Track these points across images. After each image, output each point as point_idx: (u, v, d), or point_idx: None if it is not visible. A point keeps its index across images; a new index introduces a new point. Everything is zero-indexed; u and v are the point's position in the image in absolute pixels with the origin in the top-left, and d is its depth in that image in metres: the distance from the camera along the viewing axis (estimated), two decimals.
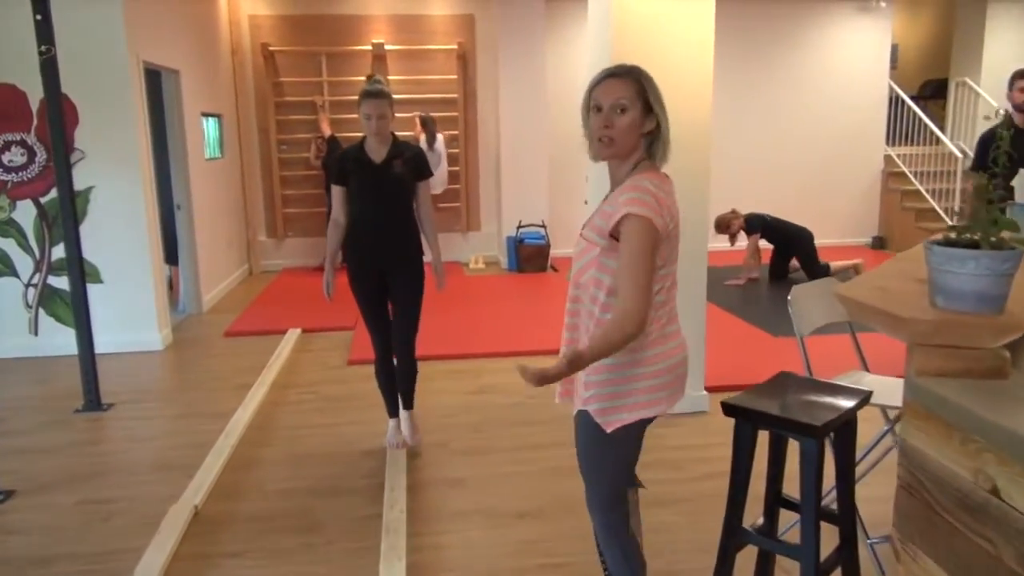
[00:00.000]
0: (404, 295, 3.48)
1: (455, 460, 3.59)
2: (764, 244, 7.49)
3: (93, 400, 4.33)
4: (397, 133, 3.50)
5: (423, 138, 8.07)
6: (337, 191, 3.44)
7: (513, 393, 4.47)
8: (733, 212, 7.48)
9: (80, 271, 4.28)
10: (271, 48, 8.30)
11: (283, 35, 8.37)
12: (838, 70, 9.28)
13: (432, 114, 8.25)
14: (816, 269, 7.24)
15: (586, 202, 4.63)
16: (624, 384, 1.86)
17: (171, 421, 4.18)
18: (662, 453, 3.61)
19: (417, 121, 8.33)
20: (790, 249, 7.40)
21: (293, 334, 5.77)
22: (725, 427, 4.00)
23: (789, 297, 2.69)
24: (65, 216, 4.22)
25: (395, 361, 3.60)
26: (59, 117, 4.08)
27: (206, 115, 7.16)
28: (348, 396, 4.48)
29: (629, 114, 1.81)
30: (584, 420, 1.91)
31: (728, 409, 2.09)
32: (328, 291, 3.50)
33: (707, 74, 3.86)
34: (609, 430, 1.86)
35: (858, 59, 9.28)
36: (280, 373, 4.90)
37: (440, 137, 8.14)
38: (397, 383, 3.64)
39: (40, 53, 4.00)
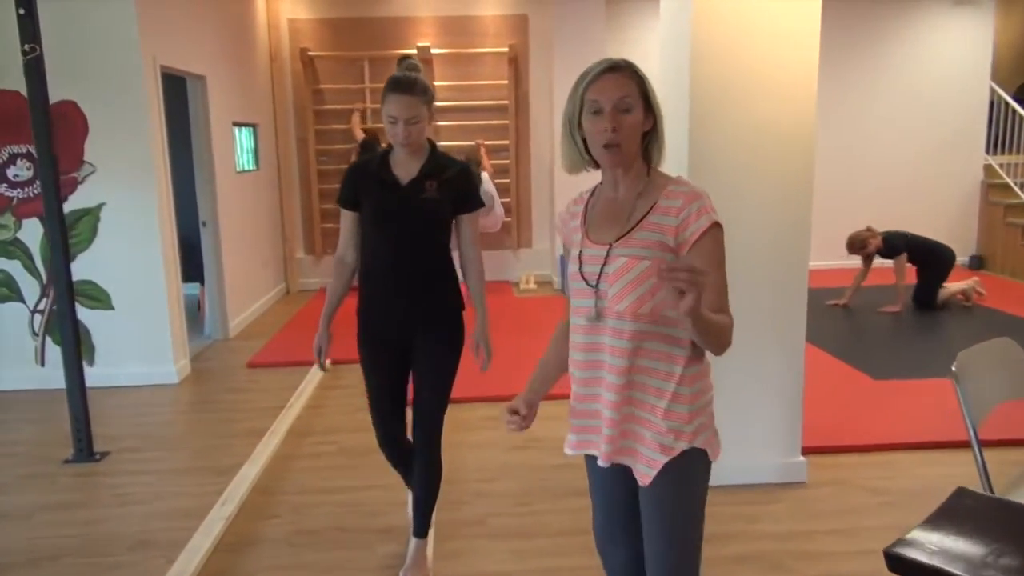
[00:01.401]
0: (430, 368, 2.52)
1: (491, 547, 2.90)
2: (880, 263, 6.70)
3: (83, 449, 3.78)
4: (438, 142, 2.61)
5: None
6: (346, 218, 2.52)
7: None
8: (869, 230, 6.59)
9: (70, 301, 3.74)
10: (311, 53, 7.79)
11: (323, 40, 7.86)
12: (932, 71, 8.34)
13: (476, 143, 7.63)
14: (933, 296, 6.42)
15: None
16: (709, 407, 1.68)
17: (167, 478, 3.60)
18: (756, 544, 2.86)
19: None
20: (930, 269, 6.54)
21: (320, 368, 5.17)
22: (833, 505, 3.14)
23: (954, 367, 1.92)
24: (53, 241, 3.69)
25: (413, 463, 2.64)
26: (45, 125, 3.56)
27: (238, 125, 6.67)
28: (371, 448, 3.72)
29: (634, 113, 1.58)
30: (688, 464, 1.61)
31: (898, 564, 1.36)
32: (320, 359, 2.59)
33: (811, 74, 3.13)
34: (716, 459, 1.67)
35: (955, 59, 8.33)
36: (299, 417, 4.30)
37: (485, 175, 7.20)
38: (413, 494, 2.70)
39: (23, 53, 3.48)
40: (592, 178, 1.73)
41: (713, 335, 1.49)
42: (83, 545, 2.97)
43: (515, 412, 1.71)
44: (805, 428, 3.43)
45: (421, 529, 2.67)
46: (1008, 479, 2.06)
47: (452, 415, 4.22)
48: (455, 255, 2.57)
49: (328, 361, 2.68)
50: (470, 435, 3.98)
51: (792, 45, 3.09)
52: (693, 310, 1.33)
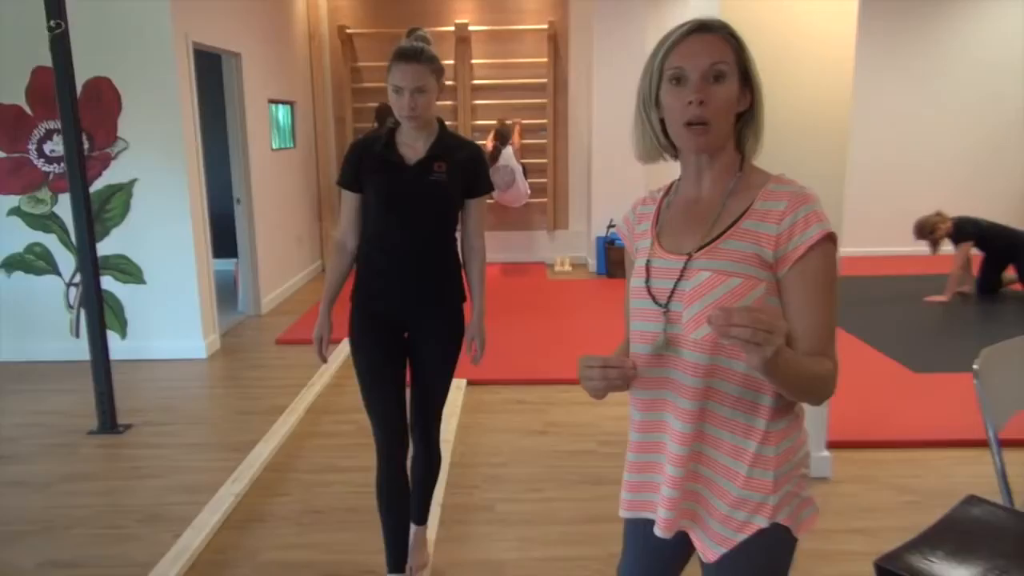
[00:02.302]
0: (431, 361, 2.37)
1: (500, 533, 2.85)
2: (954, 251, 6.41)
3: (107, 422, 3.84)
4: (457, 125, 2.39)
5: (487, 147, 7.27)
6: (347, 199, 2.35)
7: (584, 435, 3.70)
8: (939, 215, 6.29)
9: (95, 274, 3.79)
10: (349, 31, 7.77)
11: (362, 17, 7.83)
12: (987, 54, 7.90)
13: (512, 122, 7.52)
14: None
15: None
16: (798, 470, 1.32)
17: (185, 452, 3.64)
18: None
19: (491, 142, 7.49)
20: (1010, 258, 6.23)
21: (348, 344, 5.18)
22: (856, 503, 3.02)
23: (976, 365, 1.78)
24: (76, 214, 3.73)
25: (408, 457, 2.43)
26: (70, 101, 3.58)
27: (275, 102, 6.69)
28: None
29: (728, 84, 1.24)
30: (765, 544, 1.29)
31: None
32: (321, 351, 2.41)
33: (848, 51, 2.96)
34: (802, 533, 1.32)
35: (1012, 42, 7.88)
36: (320, 395, 4.30)
37: (508, 150, 7.21)
38: (411, 490, 2.47)
39: (49, 29, 3.51)
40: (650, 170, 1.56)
41: (799, 388, 1.19)
42: (95, 516, 3.01)
43: (609, 366, 1.26)
44: (833, 421, 3.30)
45: (421, 516, 2.59)
46: None
47: (473, 397, 4.22)
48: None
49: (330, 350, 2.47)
50: (489, 418, 3.94)
51: (827, 20, 2.92)
52: (763, 366, 1.07)
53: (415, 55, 2.16)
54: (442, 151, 2.27)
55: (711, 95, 1.23)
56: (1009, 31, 7.87)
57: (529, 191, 7.48)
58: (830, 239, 1.22)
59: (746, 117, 1.31)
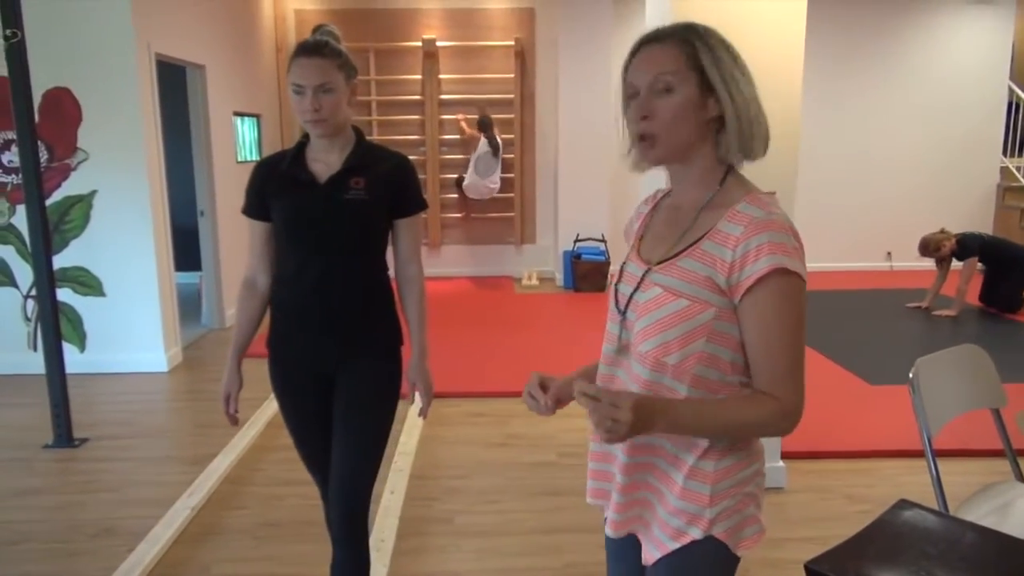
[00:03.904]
0: (355, 415, 1.98)
1: (457, 545, 2.86)
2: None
3: (63, 435, 3.79)
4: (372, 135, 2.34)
5: (481, 143, 7.43)
6: (255, 230, 2.03)
7: (544, 447, 3.72)
8: (943, 232, 6.42)
9: (50, 286, 3.75)
10: None
11: None
12: (949, 71, 8.15)
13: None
14: (1015, 300, 6.24)
15: None
16: (744, 488, 1.30)
17: (142, 466, 3.59)
18: None
19: (463, 124, 7.73)
20: (1011, 273, 6.34)
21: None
22: (808, 512, 3.12)
23: (911, 373, 1.84)
24: (32, 225, 3.69)
25: (333, 556, 2.03)
26: (26, 112, 3.56)
27: (240, 115, 6.67)
28: None
29: (676, 95, 1.20)
30: (698, 557, 1.28)
31: None
32: (229, 408, 2.10)
33: (797, 68, 3.05)
34: (742, 551, 1.31)
35: (973, 59, 8.13)
36: None
37: (497, 140, 7.53)
38: None
39: (5, 38, 3.48)
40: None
41: (717, 437, 1.23)
42: (47, 531, 2.96)
43: (531, 395, 1.40)
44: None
45: None
46: (970, 493, 1.98)
47: (434, 409, 4.13)
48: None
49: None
50: (449, 430, 3.94)
51: (777, 43, 3.00)
52: (610, 441, 1.14)
53: (317, 49, 1.86)
54: (360, 164, 1.93)
55: (655, 109, 1.20)
56: (960, 43, 8.11)
57: (498, 186, 7.62)
58: (782, 273, 1.16)
59: (717, 124, 1.23)
